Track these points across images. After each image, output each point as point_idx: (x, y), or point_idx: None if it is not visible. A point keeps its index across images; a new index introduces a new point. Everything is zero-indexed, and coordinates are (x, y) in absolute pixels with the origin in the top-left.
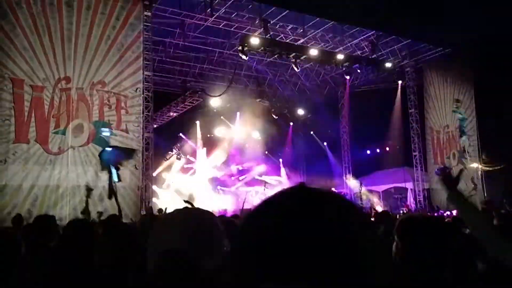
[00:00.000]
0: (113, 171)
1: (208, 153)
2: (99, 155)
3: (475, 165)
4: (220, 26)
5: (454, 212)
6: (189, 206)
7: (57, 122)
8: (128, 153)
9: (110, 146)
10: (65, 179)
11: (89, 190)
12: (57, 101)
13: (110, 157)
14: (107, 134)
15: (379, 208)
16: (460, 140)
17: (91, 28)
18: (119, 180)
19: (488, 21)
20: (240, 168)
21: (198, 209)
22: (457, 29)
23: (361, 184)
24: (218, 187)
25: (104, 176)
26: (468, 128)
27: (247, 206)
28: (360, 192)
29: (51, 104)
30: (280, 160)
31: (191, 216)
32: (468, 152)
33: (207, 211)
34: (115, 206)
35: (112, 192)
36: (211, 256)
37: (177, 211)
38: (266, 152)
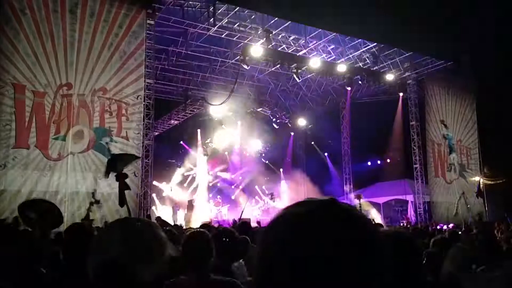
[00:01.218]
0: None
1: (209, 161)
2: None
3: (476, 178)
4: (223, 36)
5: (450, 226)
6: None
7: (57, 128)
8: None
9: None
10: (64, 185)
11: (95, 202)
12: (58, 107)
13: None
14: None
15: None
16: (450, 157)
17: (94, 35)
18: (128, 187)
19: (491, 34)
20: (240, 177)
21: (138, 219)
22: (460, 43)
23: (359, 197)
24: (218, 196)
25: (103, 182)
26: (469, 142)
27: (245, 215)
28: (359, 204)
29: (52, 110)
30: (281, 169)
31: (129, 225)
32: (454, 166)
33: (148, 221)
34: (113, 213)
35: (124, 199)
36: (149, 265)
37: (117, 221)
38: (267, 162)
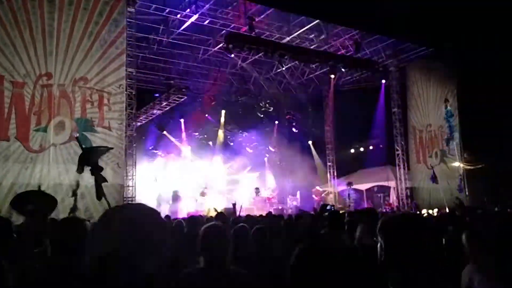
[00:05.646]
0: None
1: (193, 151)
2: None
3: (456, 164)
4: (205, 23)
5: (435, 211)
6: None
7: (38, 119)
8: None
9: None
10: (46, 177)
11: (77, 186)
12: (38, 98)
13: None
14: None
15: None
16: (450, 145)
17: (73, 23)
18: (104, 180)
19: (471, 20)
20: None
21: (139, 206)
22: (441, 29)
23: (349, 184)
24: (204, 187)
25: (86, 174)
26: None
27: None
28: (349, 192)
29: (32, 100)
30: (265, 158)
31: (129, 215)
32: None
33: (150, 208)
34: (97, 205)
35: (101, 193)
36: (151, 257)
37: (114, 210)
38: (251, 150)
